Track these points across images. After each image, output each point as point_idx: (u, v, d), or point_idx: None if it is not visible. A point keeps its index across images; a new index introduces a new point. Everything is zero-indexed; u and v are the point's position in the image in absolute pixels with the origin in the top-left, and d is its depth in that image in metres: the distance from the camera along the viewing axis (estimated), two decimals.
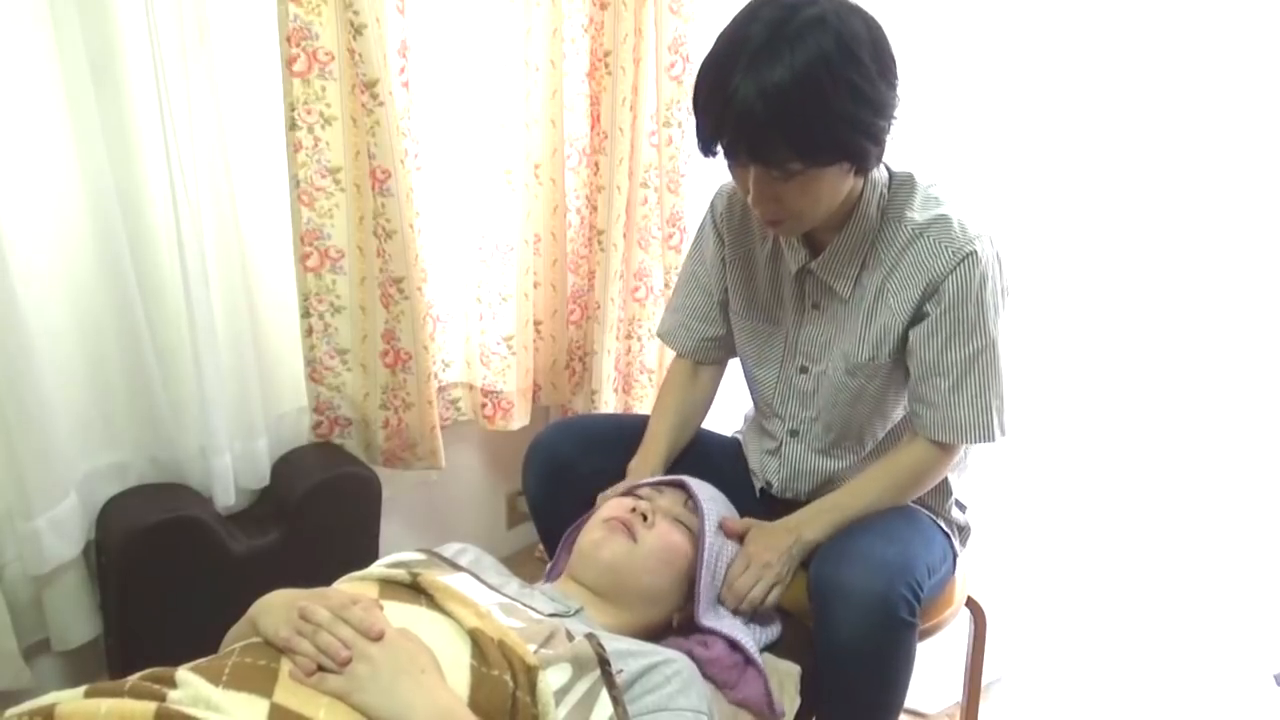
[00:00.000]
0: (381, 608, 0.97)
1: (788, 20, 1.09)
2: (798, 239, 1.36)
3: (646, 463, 1.47)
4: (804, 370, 1.43)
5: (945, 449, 1.35)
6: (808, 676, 1.28)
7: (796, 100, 1.08)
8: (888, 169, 1.34)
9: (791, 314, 1.43)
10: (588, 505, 1.40)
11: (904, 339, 1.32)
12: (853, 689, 1.25)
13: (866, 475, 1.39)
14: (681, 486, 1.35)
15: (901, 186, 1.33)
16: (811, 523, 1.34)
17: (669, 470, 1.48)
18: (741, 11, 1.15)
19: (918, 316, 1.30)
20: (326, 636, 0.89)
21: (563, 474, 1.48)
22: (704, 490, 1.34)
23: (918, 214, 1.30)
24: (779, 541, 1.32)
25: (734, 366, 1.60)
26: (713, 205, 1.50)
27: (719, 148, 1.16)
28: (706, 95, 1.15)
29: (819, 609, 1.22)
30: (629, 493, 1.34)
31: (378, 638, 0.90)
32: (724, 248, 1.48)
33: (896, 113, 1.18)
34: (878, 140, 1.17)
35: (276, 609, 0.95)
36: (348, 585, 1.06)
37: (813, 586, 1.23)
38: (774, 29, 1.09)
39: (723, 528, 1.32)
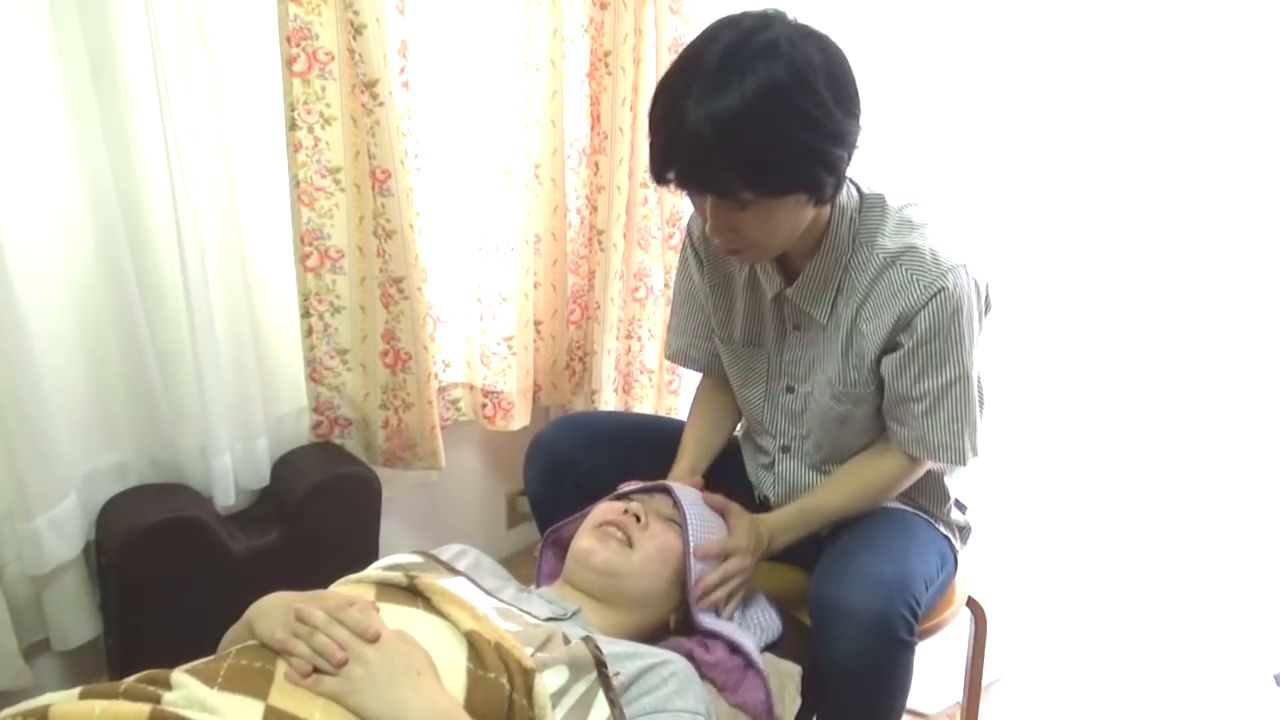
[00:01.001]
0: (378, 610, 0.96)
1: (742, 45, 1.06)
2: (772, 265, 1.34)
3: (677, 477, 1.48)
4: (790, 389, 1.42)
5: (917, 460, 1.36)
6: (808, 678, 1.28)
7: (746, 128, 1.05)
8: (858, 190, 1.30)
9: (773, 336, 1.41)
10: (588, 501, 1.39)
11: (878, 367, 1.31)
12: (850, 704, 1.25)
13: (839, 482, 1.39)
14: (667, 492, 1.35)
15: (872, 209, 1.29)
16: (785, 532, 1.36)
17: (644, 472, 1.47)
18: (703, 32, 1.12)
19: (891, 346, 1.28)
20: (322, 638, 0.89)
21: (564, 470, 1.48)
22: (688, 494, 1.34)
23: (889, 240, 1.26)
24: (758, 541, 1.33)
25: None
26: (689, 230, 1.48)
27: (671, 175, 1.13)
28: (659, 119, 1.12)
29: (818, 625, 1.22)
30: (619, 498, 1.34)
31: (374, 639, 0.90)
32: (703, 270, 1.47)
33: (859, 142, 1.15)
34: (833, 170, 1.13)
35: (273, 611, 0.95)
36: (344, 588, 1.06)
37: (812, 603, 1.23)
38: (727, 53, 1.06)
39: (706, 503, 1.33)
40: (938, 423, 1.29)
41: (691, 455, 1.51)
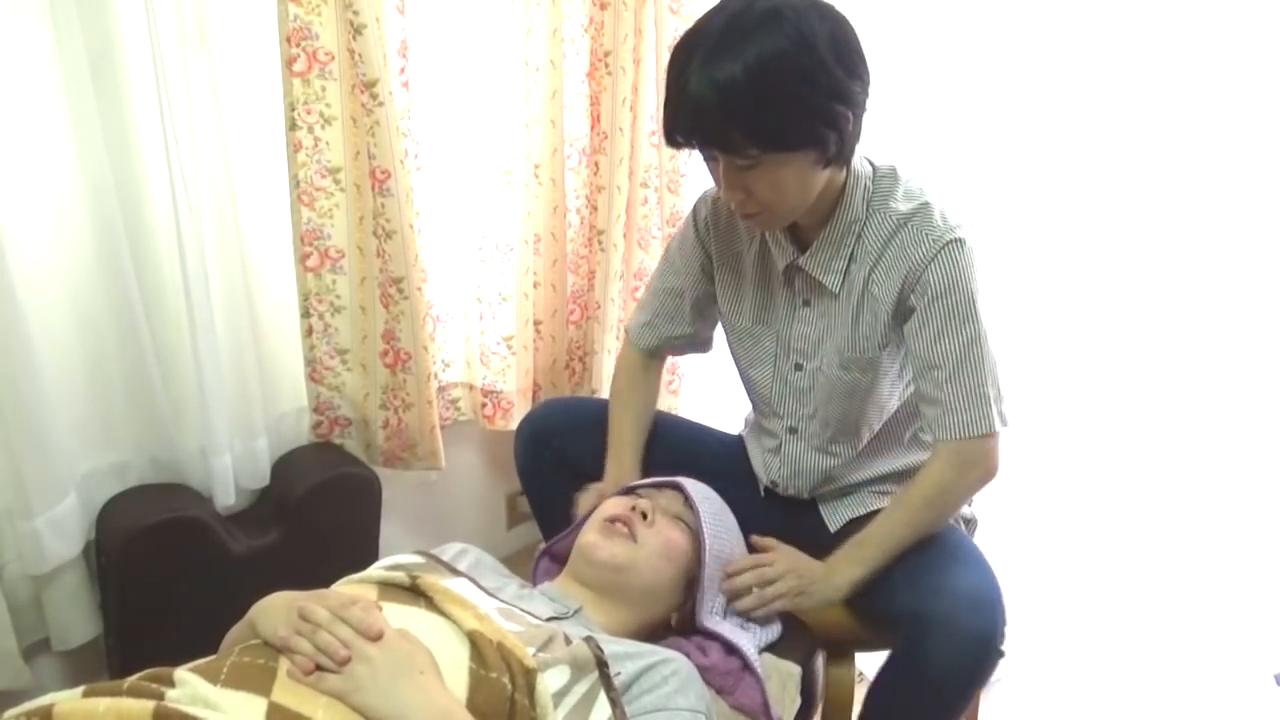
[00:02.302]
0: (381, 609, 0.97)
1: (745, 12, 1.11)
2: (784, 236, 1.36)
3: (623, 469, 1.50)
4: (799, 367, 1.43)
5: (961, 465, 1.32)
6: (808, 677, 1.28)
7: (746, 92, 1.09)
8: (871, 163, 1.33)
9: (782, 313, 1.42)
10: (570, 475, 1.49)
11: (890, 330, 1.32)
12: (933, 711, 1.26)
13: (895, 512, 1.35)
14: (677, 488, 1.35)
15: (884, 179, 1.33)
16: (846, 569, 1.33)
17: (651, 468, 1.52)
18: (717, 4, 1.16)
19: (903, 309, 1.30)
20: (325, 636, 0.89)
21: (549, 441, 1.54)
22: (699, 490, 1.35)
23: (901, 204, 1.30)
24: (807, 568, 1.34)
25: (729, 366, 1.59)
26: (695, 210, 1.49)
27: (679, 138, 1.18)
28: (667, 86, 1.17)
29: (913, 638, 1.22)
30: (627, 492, 1.35)
31: (377, 638, 0.90)
32: (705, 253, 1.48)
33: (866, 104, 1.19)
34: (835, 125, 1.16)
35: (276, 610, 0.95)
36: (346, 587, 1.06)
37: (908, 620, 1.23)
38: (731, 22, 1.11)
39: (755, 545, 1.35)
40: (960, 390, 1.28)
41: (636, 455, 1.54)
